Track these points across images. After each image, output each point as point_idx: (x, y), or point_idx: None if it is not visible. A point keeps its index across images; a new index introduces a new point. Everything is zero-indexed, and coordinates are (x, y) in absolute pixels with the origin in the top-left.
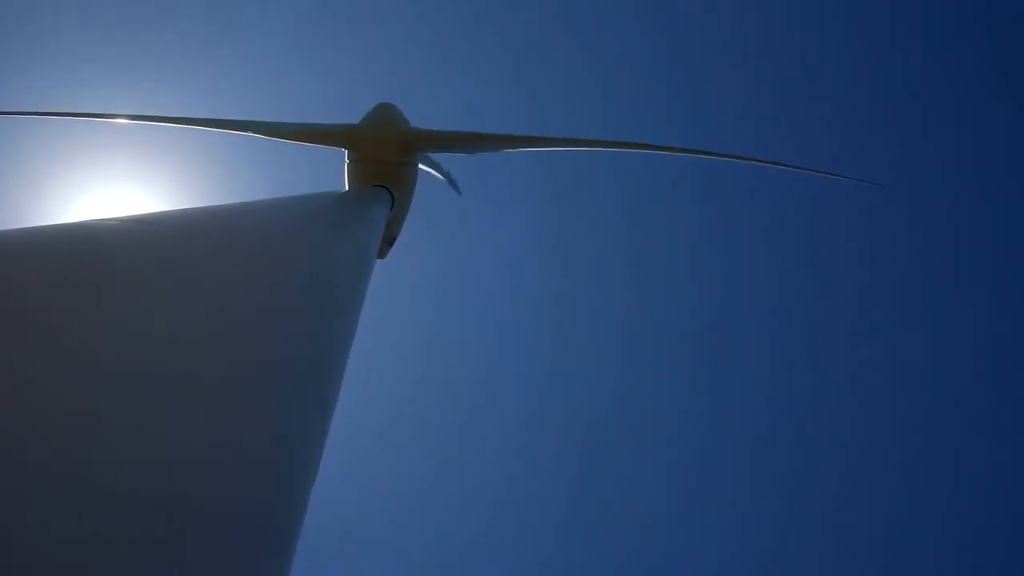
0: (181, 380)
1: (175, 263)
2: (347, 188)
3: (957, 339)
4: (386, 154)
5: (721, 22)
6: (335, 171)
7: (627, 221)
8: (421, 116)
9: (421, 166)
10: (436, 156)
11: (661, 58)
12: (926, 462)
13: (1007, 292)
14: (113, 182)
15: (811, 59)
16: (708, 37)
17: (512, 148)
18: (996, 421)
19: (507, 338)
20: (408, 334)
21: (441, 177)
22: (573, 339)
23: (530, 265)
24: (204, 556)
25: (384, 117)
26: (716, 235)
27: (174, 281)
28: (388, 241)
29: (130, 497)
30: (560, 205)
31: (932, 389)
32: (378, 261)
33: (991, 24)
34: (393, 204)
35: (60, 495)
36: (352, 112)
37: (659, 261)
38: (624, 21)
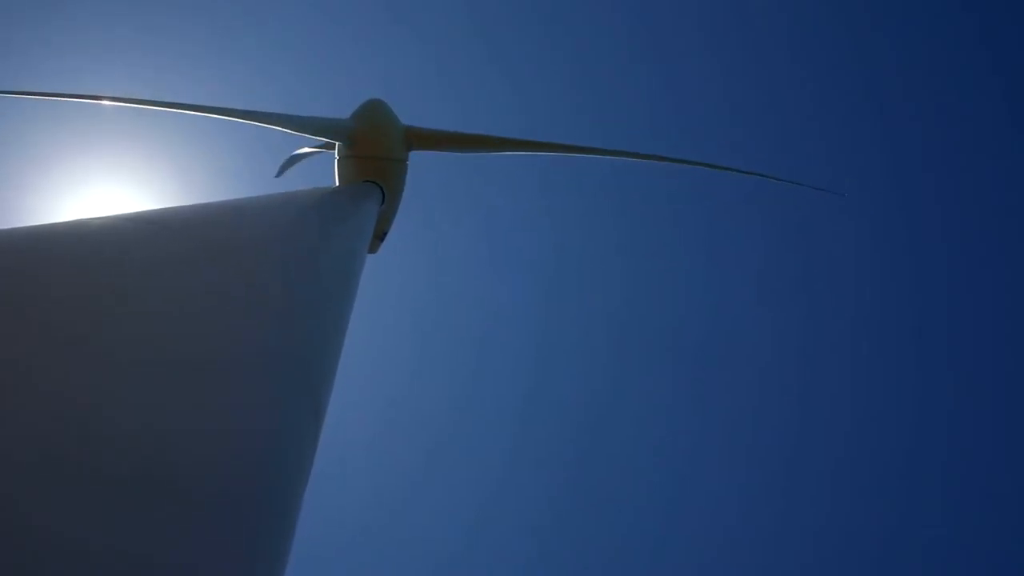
0: (178, 372)
1: (172, 257)
2: (338, 183)
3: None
4: (378, 150)
5: (701, 31)
6: (327, 165)
7: (620, 221)
8: (410, 111)
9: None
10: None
11: (652, 65)
12: (920, 463)
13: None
14: (111, 170)
15: (788, 69)
16: (695, 25)
17: (510, 151)
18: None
19: (498, 336)
20: (400, 328)
21: (300, 153)
22: (564, 338)
23: (523, 264)
24: (206, 543)
25: (379, 114)
26: (710, 236)
27: (171, 275)
28: (379, 236)
29: (133, 484)
30: (552, 205)
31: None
32: (369, 256)
33: (957, 36)
34: (384, 200)
35: (61, 484)
36: (336, 105)
37: (651, 261)
38: (613, 36)
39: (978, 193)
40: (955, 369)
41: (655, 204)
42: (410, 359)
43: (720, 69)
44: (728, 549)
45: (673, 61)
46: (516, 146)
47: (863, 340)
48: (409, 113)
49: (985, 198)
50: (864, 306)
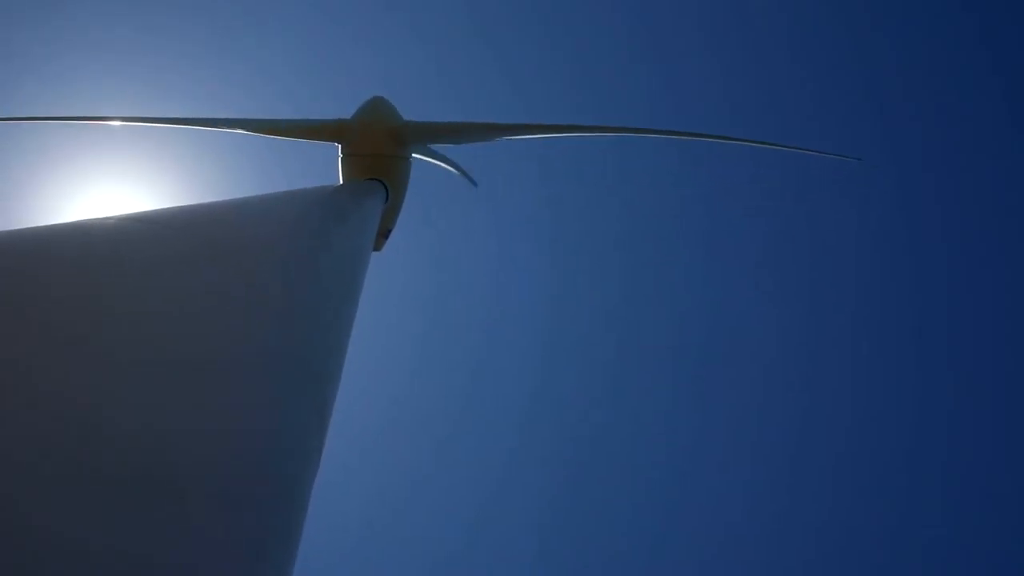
0: (178, 372)
1: (173, 257)
2: (341, 182)
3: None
4: (379, 147)
5: (703, 7)
6: (330, 166)
7: (622, 215)
8: (413, 109)
9: (434, 161)
10: (445, 150)
11: (646, 43)
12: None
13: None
14: (112, 181)
15: (792, 41)
16: (691, 20)
17: (503, 136)
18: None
19: (500, 333)
20: (403, 328)
21: (455, 171)
22: (567, 334)
23: (524, 260)
24: (206, 543)
25: (376, 111)
26: (713, 231)
27: (172, 275)
28: (383, 233)
29: (133, 484)
30: (554, 200)
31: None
32: (374, 254)
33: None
34: (387, 197)
35: (61, 484)
36: (346, 106)
37: (653, 255)
38: (612, 8)
39: (981, 182)
40: (956, 368)
41: (659, 192)
42: (412, 357)
43: (720, 67)
44: (731, 547)
45: (673, 61)
46: (518, 131)
47: (873, 333)
48: (413, 113)
49: (997, 183)
50: (887, 294)
